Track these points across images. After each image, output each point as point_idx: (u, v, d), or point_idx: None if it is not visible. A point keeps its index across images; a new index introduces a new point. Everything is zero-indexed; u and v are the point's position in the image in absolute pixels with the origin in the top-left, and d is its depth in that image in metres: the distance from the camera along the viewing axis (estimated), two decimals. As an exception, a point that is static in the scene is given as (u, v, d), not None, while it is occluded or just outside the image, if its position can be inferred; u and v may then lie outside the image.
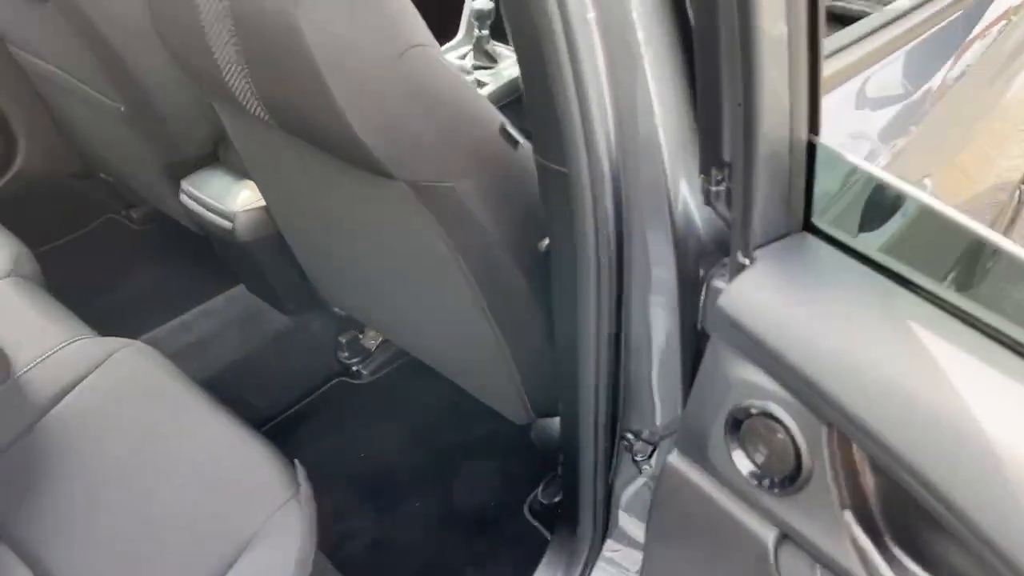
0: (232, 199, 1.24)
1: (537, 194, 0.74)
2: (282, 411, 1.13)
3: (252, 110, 0.82)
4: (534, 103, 0.66)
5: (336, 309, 1.34)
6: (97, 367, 1.03)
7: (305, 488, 0.88)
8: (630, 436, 0.82)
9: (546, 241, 0.78)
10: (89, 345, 1.07)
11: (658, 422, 0.80)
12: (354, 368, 1.49)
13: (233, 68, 0.78)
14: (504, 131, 0.76)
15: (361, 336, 1.49)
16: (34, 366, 1.03)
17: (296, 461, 0.92)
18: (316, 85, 0.69)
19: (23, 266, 1.21)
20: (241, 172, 1.30)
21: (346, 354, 1.49)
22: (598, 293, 0.69)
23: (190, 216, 1.34)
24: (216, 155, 1.34)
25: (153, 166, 1.37)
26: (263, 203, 1.23)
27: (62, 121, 1.59)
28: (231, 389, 1.09)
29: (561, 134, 0.63)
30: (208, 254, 1.57)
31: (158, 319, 1.50)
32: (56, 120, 1.62)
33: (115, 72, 1.21)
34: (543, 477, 1.22)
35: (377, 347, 1.49)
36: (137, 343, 1.07)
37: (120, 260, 1.74)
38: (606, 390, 0.77)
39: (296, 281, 1.31)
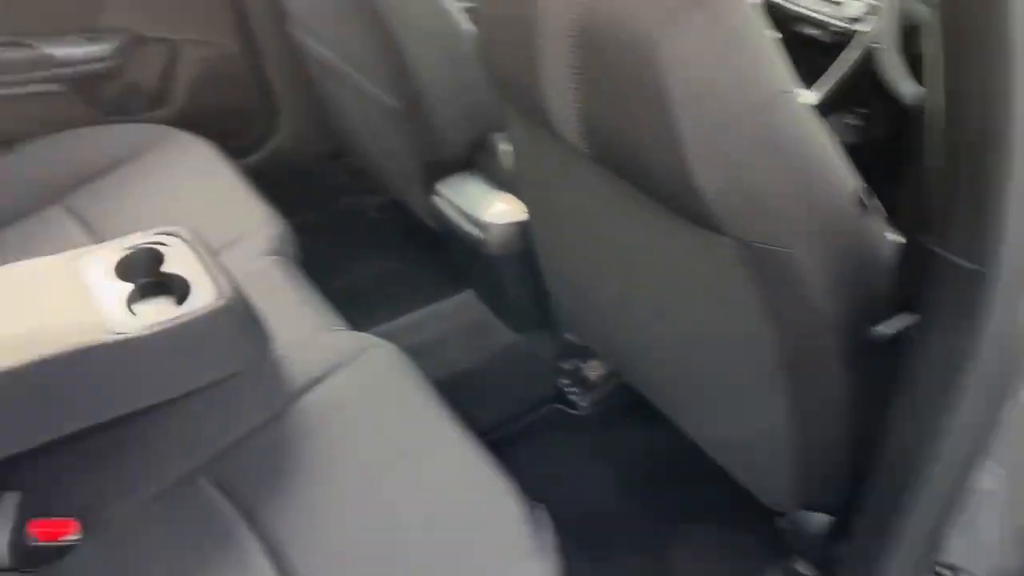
0: (486, 209, 1.22)
1: (883, 269, 0.64)
2: (493, 428, 1.09)
3: (564, 134, 0.77)
4: (945, 169, 0.54)
5: (568, 336, 1.29)
6: (349, 362, 1.03)
7: (551, 541, 0.82)
8: (947, 573, 0.69)
9: (889, 326, 0.67)
10: (342, 338, 1.08)
11: (989, 562, 0.67)
12: (572, 397, 1.44)
13: (559, 90, 0.73)
14: (861, 195, 0.66)
15: (583, 365, 1.43)
16: (287, 351, 1.04)
17: (542, 507, 0.87)
18: (662, 124, 0.62)
19: (286, 246, 1.24)
20: (496, 182, 1.27)
21: (566, 381, 1.43)
22: (982, 405, 0.58)
23: (437, 217, 1.33)
24: (471, 161, 1.32)
25: (409, 162, 1.37)
26: (518, 218, 1.19)
27: (326, 103, 1.65)
28: (451, 397, 1.05)
29: (984, 223, 0.52)
30: (440, 254, 1.57)
31: (386, 313, 1.52)
32: (319, 101, 1.68)
33: (397, 70, 1.22)
34: (777, 563, 1.11)
35: (599, 379, 1.43)
36: (388, 344, 1.06)
37: (352, 245, 1.79)
38: (941, 510, 0.65)
39: (533, 300, 1.27)
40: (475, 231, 1.21)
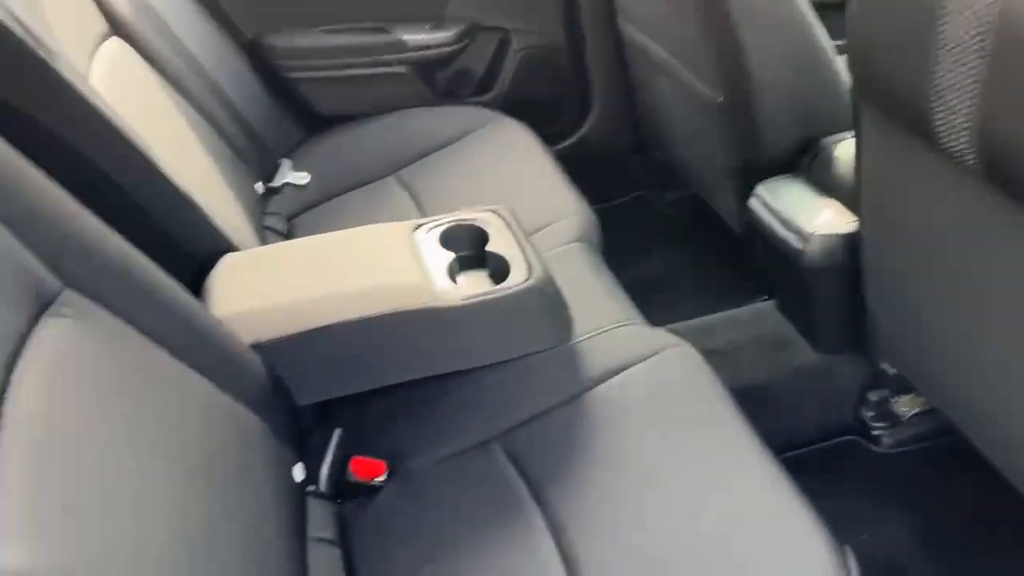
0: (809, 217, 1.13)
1: None
2: (782, 450, 1.01)
3: (949, 147, 0.67)
4: None
5: (883, 364, 1.16)
6: (644, 359, 1.01)
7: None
8: None
9: None
10: (640, 333, 1.06)
11: None
12: (875, 432, 1.30)
13: (952, 99, 0.64)
14: None
15: (894, 400, 1.28)
16: (587, 338, 1.05)
17: (847, 548, 0.78)
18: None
19: (590, 233, 1.25)
20: (822, 188, 1.17)
21: (871, 414, 1.30)
22: None
23: (746, 219, 1.26)
24: (794, 164, 1.24)
25: (724, 161, 1.32)
26: (845, 229, 1.09)
27: (639, 96, 1.64)
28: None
29: None
30: (736, 257, 1.49)
31: (677, 311, 1.48)
32: (631, 94, 1.68)
33: (727, 61, 1.17)
34: None
35: (910, 417, 1.27)
36: (687, 346, 1.03)
37: (646, 239, 1.77)
38: None
39: (846, 320, 1.16)
40: (792, 239, 1.13)
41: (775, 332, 1.37)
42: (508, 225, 1.07)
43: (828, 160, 1.16)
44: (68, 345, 0.66)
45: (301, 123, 1.61)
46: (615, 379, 0.99)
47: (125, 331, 0.73)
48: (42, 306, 0.66)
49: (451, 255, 1.03)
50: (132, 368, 0.72)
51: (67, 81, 0.90)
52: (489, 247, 1.04)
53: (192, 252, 1.04)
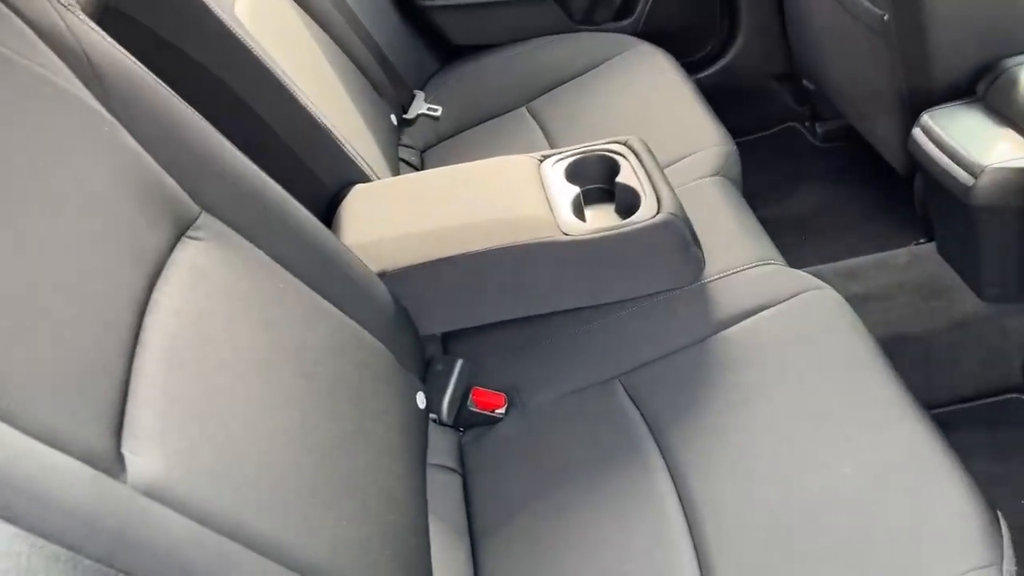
0: (982, 149, 1.00)
1: None
2: (936, 407, 0.92)
3: None
4: None
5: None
6: (782, 301, 0.94)
7: (1010, 556, 0.67)
8: None
9: None
10: (778, 274, 0.99)
11: None
12: (1045, 393, 1.17)
13: None
14: None
15: (1070, 357, 1.15)
16: (720, 278, 1.00)
17: (999, 515, 0.71)
18: None
19: (730, 167, 1.18)
20: (999, 117, 1.04)
21: (1041, 371, 1.17)
22: None
23: (909, 152, 1.14)
24: (969, 89, 1.10)
25: (888, 86, 1.19)
26: (1022, 164, 0.96)
27: (792, 17, 1.51)
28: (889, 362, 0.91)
29: None
30: (896, 197, 1.37)
31: (823, 252, 1.38)
32: (781, 16, 1.55)
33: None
34: None
35: (1089, 379, 1.14)
36: (829, 290, 0.95)
37: (793, 173, 1.66)
38: None
39: (1017, 266, 1.04)
40: (961, 173, 1.01)
41: (933, 278, 1.25)
42: (640, 156, 1.02)
43: (1009, 85, 1.02)
44: (204, 266, 0.69)
45: (435, 54, 1.61)
46: (747, 322, 0.94)
47: (257, 255, 0.76)
48: (181, 228, 0.70)
49: (577, 189, 1.00)
50: (263, 291, 0.74)
51: (211, 10, 0.92)
52: (619, 179, 1.00)
53: (326, 181, 1.06)
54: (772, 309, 0.94)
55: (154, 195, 0.68)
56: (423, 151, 1.48)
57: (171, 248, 0.67)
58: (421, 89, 1.54)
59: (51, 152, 0.60)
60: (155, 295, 0.63)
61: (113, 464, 0.51)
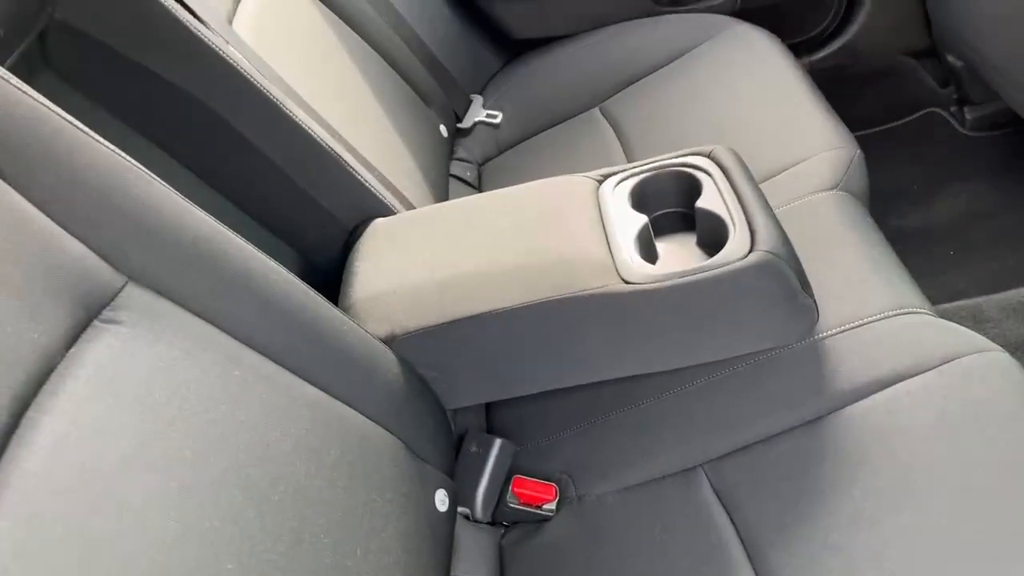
0: None
1: None
2: None
3: None
4: None
5: None
6: (931, 368, 0.69)
7: None
8: None
9: None
10: (926, 327, 0.73)
11: None
12: None
13: None
14: None
15: None
16: (840, 332, 0.74)
17: None
18: None
19: (854, 177, 0.91)
20: None
21: None
22: None
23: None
24: None
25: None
26: None
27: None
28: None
29: None
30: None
31: (976, 275, 1.09)
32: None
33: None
34: None
35: None
36: (999, 353, 0.68)
37: (931, 173, 1.36)
38: None
39: None
40: None
41: None
42: (728, 172, 0.78)
43: None
44: (118, 360, 0.52)
45: (494, 52, 1.40)
46: (881, 395, 0.69)
47: (206, 333, 0.58)
48: (91, 310, 0.53)
49: (644, 219, 0.77)
50: (207, 383, 0.56)
51: (178, 17, 0.75)
52: (699, 204, 0.76)
53: (340, 217, 0.88)
54: (919, 378, 0.69)
55: (51, 271, 0.51)
56: (481, 164, 1.28)
57: (71, 341, 0.50)
58: (479, 93, 1.34)
59: None
60: (31, 414, 0.46)
61: None
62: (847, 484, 0.66)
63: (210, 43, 0.76)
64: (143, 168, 0.58)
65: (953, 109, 1.42)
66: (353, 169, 0.86)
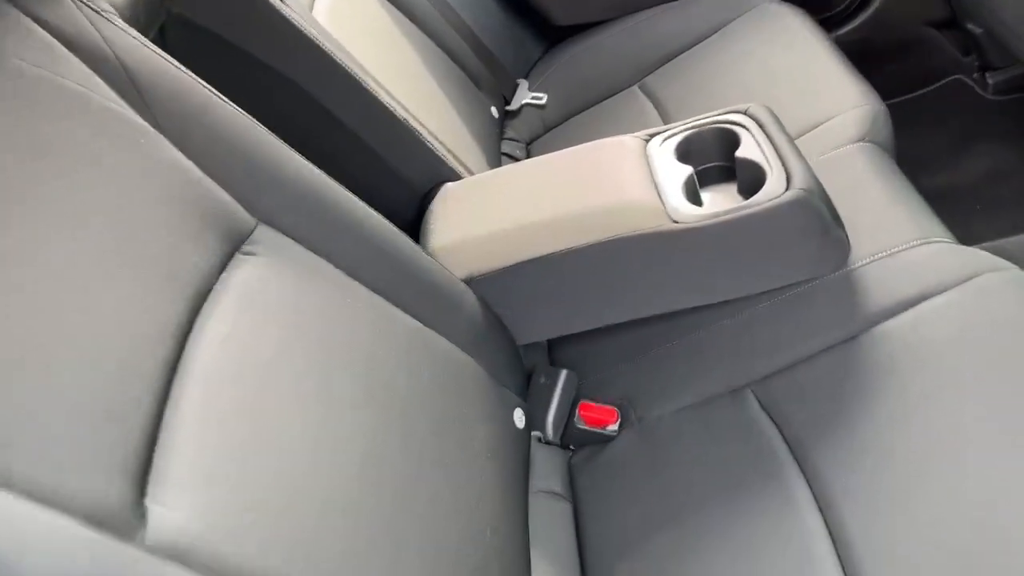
0: None
1: None
2: None
3: None
4: None
5: None
6: (953, 286, 0.77)
7: None
8: None
9: None
10: (946, 253, 0.81)
11: None
12: None
13: None
14: None
15: None
16: (871, 262, 0.83)
17: None
18: None
19: (879, 130, 1.00)
20: None
21: None
22: None
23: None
24: None
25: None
26: None
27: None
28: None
29: None
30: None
31: (998, 225, 1.16)
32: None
33: None
34: None
35: None
36: (1015, 270, 0.77)
37: (957, 137, 1.42)
38: None
39: None
40: None
41: None
42: (763, 126, 0.87)
43: None
44: (259, 284, 0.63)
45: (537, 39, 1.50)
46: (909, 313, 0.77)
47: (322, 267, 0.69)
48: (234, 243, 0.63)
49: (690, 169, 0.86)
50: (327, 307, 0.67)
51: (278, 9, 0.87)
52: (738, 154, 0.85)
53: (415, 183, 0.99)
54: (941, 296, 0.77)
55: (202, 210, 0.62)
56: (529, 143, 1.38)
57: (221, 268, 0.61)
58: (524, 78, 1.44)
59: (77, 171, 0.55)
60: (199, 321, 0.57)
61: (129, 520, 0.44)
62: (881, 392, 0.74)
63: (303, 29, 0.87)
64: (268, 131, 0.69)
65: (975, 76, 1.48)
66: (425, 139, 0.97)
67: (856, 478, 0.69)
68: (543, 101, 1.39)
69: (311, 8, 1.03)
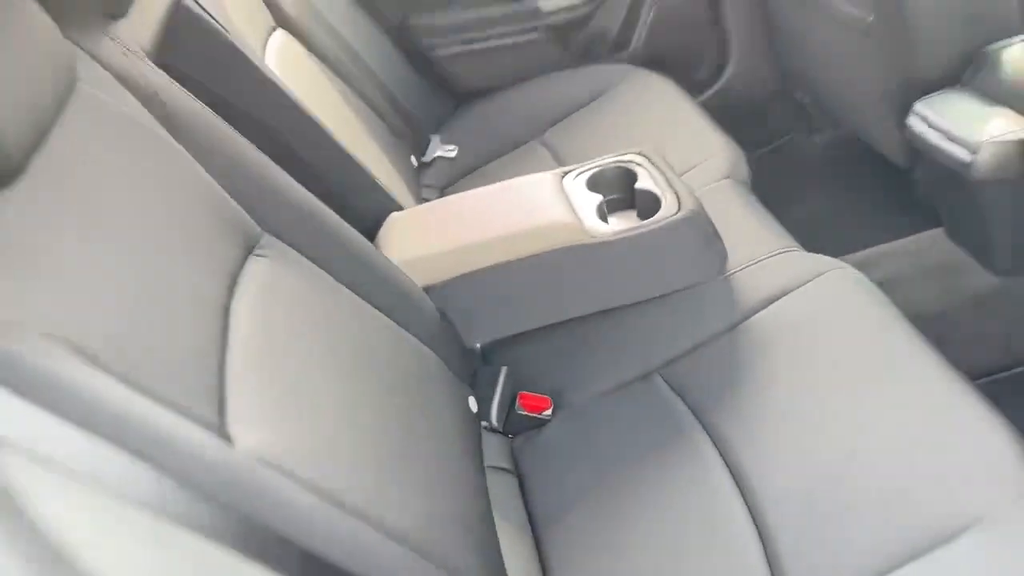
0: (977, 127, 1.06)
1: None
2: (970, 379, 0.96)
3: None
4: None
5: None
6: (805, 283, 0.99)
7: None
8: None
9: None
10: (798, 259, 1.05)
11: None
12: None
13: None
14: None
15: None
16: (743, 268, 1.05)
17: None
18: None
19: (740, 170, 1.24)
20: (991, 98, 1.10)
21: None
22: None
23: (908, 143, 1.20)
24: (959, 79, 1.17)
25: (878, 85, 1.26)
26: (1019, 136, 1.02)
27: (780, 34, 1.59)
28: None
29: None
30: (897, 191, 1.43)
31: (840, 246, 1.43)
32: (771, 36, 1.64)
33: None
34: None
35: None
36: (849, 268, 1.00)
37: (798, 183, 1.72)
38: None
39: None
40: (960, 153, 1.07)
41: (945, 260, 1.30)
42: (655, 164, 1.09)
43: (994, 68, 1.09)
44: (271, 280, 0.75)
45: (448, 98, 1.69)
46: (773, 306, 0.99)
47: (315, 272, 0.82)
48: (249, 246, 0.76)
49: (600, 196, 1.06)
50: (323, 303, 0.80)
51: (253, 63, 1.00)
52: (638, 186, 1.06)
53: (364, 214, 1.13)
54: (797, 291, 0.99)
55: (225, 218, 0.75)
56: (443, 189, 1.55)
57: (242, 263, 0.74)
58: (437, 133, 1.62)
59: (140, 181, 0.66)
60: (233, 304, 0.69)
61: (225, 437, 0.56)
62: (759, 365, 0.94)
63: (271, 78, 1.01)
64: (272, 161, 0.83)
65: (806, 136, 1.81)
66: (372, 175, 1.12)
67: (745, 427, 0.88)
68: (454, 153, 1.57)
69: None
